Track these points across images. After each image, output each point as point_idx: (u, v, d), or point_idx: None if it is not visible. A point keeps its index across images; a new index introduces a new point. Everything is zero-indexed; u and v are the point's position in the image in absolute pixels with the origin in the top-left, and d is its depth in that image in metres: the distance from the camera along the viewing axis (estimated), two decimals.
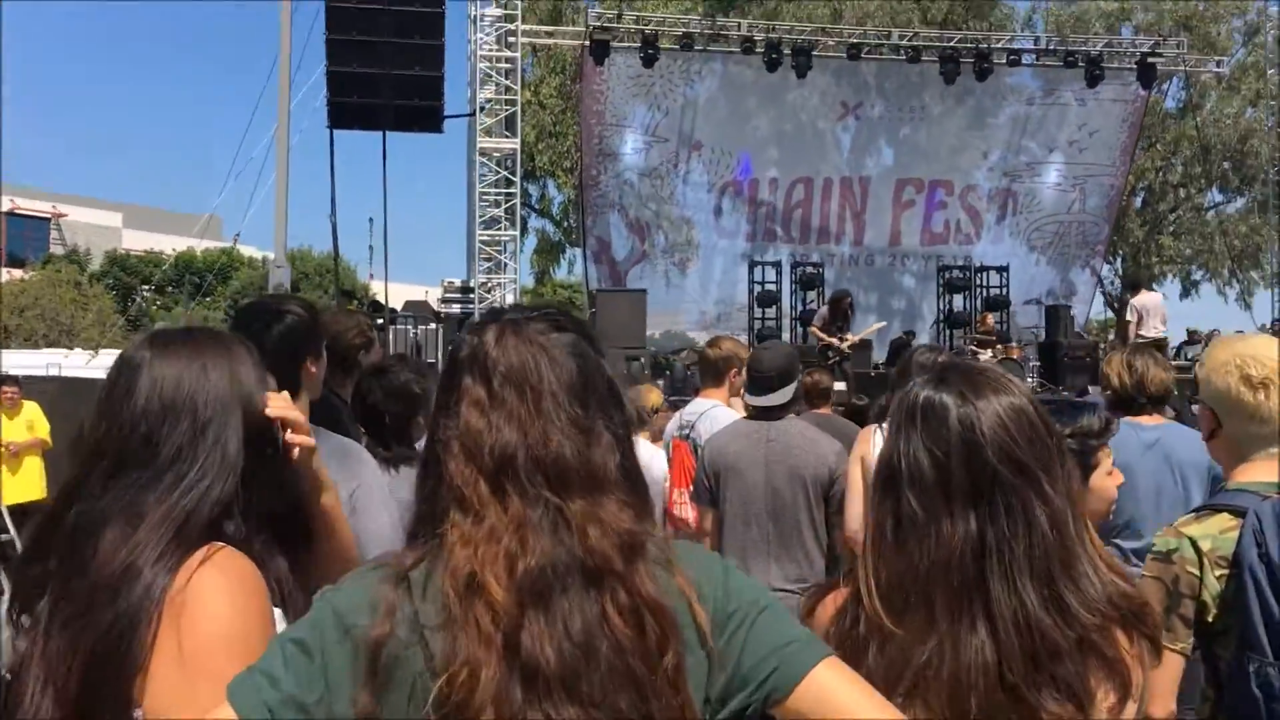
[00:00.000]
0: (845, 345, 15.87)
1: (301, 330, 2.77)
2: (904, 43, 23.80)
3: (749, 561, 4.00)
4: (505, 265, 16.81)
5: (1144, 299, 18.21)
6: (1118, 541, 3.99)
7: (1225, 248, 31.53)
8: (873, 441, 4.12)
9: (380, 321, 14.02)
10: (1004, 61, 23.78)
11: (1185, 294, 34.32)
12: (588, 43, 22.12)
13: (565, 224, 34.16)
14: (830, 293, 21.29)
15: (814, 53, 23.02)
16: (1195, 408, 2.51)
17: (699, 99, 24.61)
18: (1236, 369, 2.26)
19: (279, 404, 1.79)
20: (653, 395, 6.42)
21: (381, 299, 16.96)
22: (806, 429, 4.19)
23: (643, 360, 15.43)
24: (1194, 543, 2.21)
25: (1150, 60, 23.78)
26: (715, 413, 5.16)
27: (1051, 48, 24.53)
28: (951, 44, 23.64)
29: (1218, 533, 2.20)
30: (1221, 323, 35.61)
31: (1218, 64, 27.78)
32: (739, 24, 23.69)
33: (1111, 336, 32.79)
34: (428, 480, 1.45)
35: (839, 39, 23.81)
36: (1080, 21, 30.92)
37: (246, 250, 41.55)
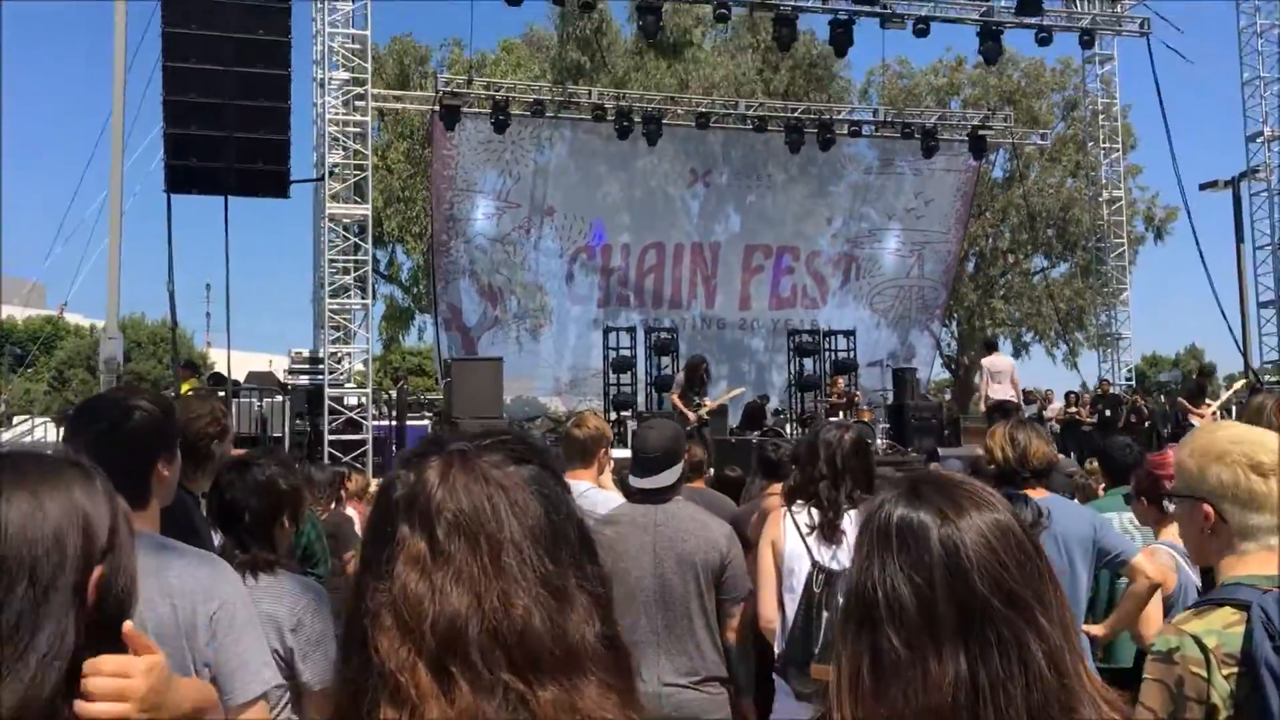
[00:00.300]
0: (704, 411, 15.91)
1: (152, 429, 2.48)
2: (750, 112, 24.36)
3: (637, 656, 3.79)
4: (355, 334, 16.30)
5: (993, 361, 18.88)
6: None
7: (1052, 311, 33.06)
8: (783, 526, 3.98)
9: (222, 394, 13.36)
10: (845, 132, 24.60)
11: (1016, 355, 35.80)
12: (438, 108, 21.92)
13: (415, 290, 33.64)
14: (684, 358, 21.48)
15: (664, 120, 23.35)
16: (1173, 505, 2.35)
17: (550, 165, 24.66)
18: (1244, 458, 2.16)
19: (101, 688, 1.32)
20: None
21: (222, 369, 16.23)
22: (696, 512, 4.02)
23: None
24: (1198, 640, 2.01)
25: (980, 133, 24.90)
26: (591, 495, 4.93)
27: (889, 120, 25.44)
28: (796, 114, 24.30)
29: (1222, 628, 2.02)
30: (1052, 382, 37.21)
31: (1041, 136, 29.31)
32: (590, 91, 23.87)
33: (948, 396, 33.94)
34: (351, 660, 1.14)
35: (688, 107, 24.23)
36: (912, 95, 32.31)
37: (73, 318, 39.54)
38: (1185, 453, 2.25)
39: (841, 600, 1.53)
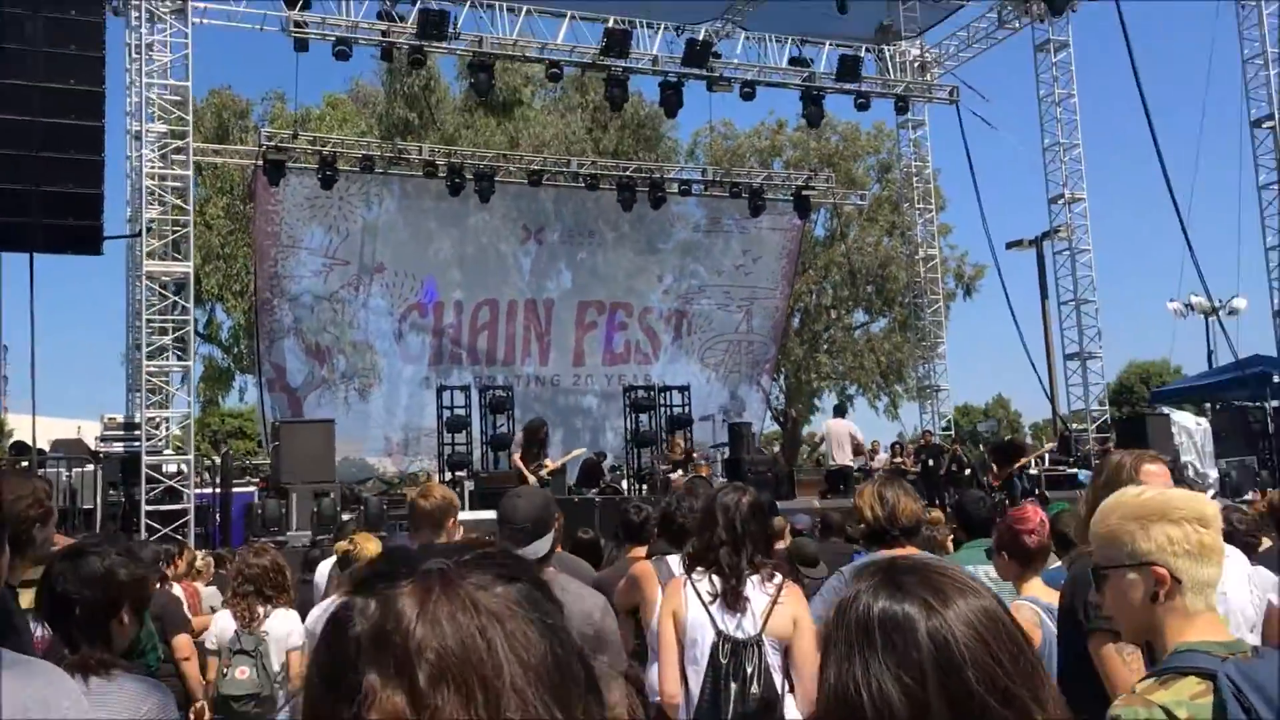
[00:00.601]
0: (545, 473, 15.74)
1: None
2: (582, 170, 24.53)
3: None
4: (173, 396, 15.47)
5: (831, 425, 19.39)
6: None
7: (874, 364, 34.21)
8: (684, 595, 3.85)
9: (26, 464, 12.44)
10: (675, 191, 25.05)
11: (840, 408, 36.81)
12: (261, 162, 21.27)
13: (235, 350, 32.36)
14: (519, 416, 21.23)
15: (496, 178, 23.28)
16: (1119, 574, 2.22)
17: (379, 222, 24.23)
18: (1191, 512, 2.11)
19: None
20: (371, 545, 5.84)
21: (23, 437, 15.15)
22: (568, 583, 3.84)
23: (333, 496, 14.53)
24: (1169, 712, 1.93)
25: (805, 192, 25.70)
26: None
27: (718, 179, 26.04)
28: (628, 173, 24.60)
29: (1189, 698, 1.93)
30: (877, 433, 38.30)
31: (860, 197, 30.47)
32: (420, 148, 23.59)
33: (777, 449, 34.50)
34: None
35: (520, 165, 24.24)
36: (737, 156, 33.18)
37: None
38: (1114, 519, 2.18)
39: (820, 706, 1.39)
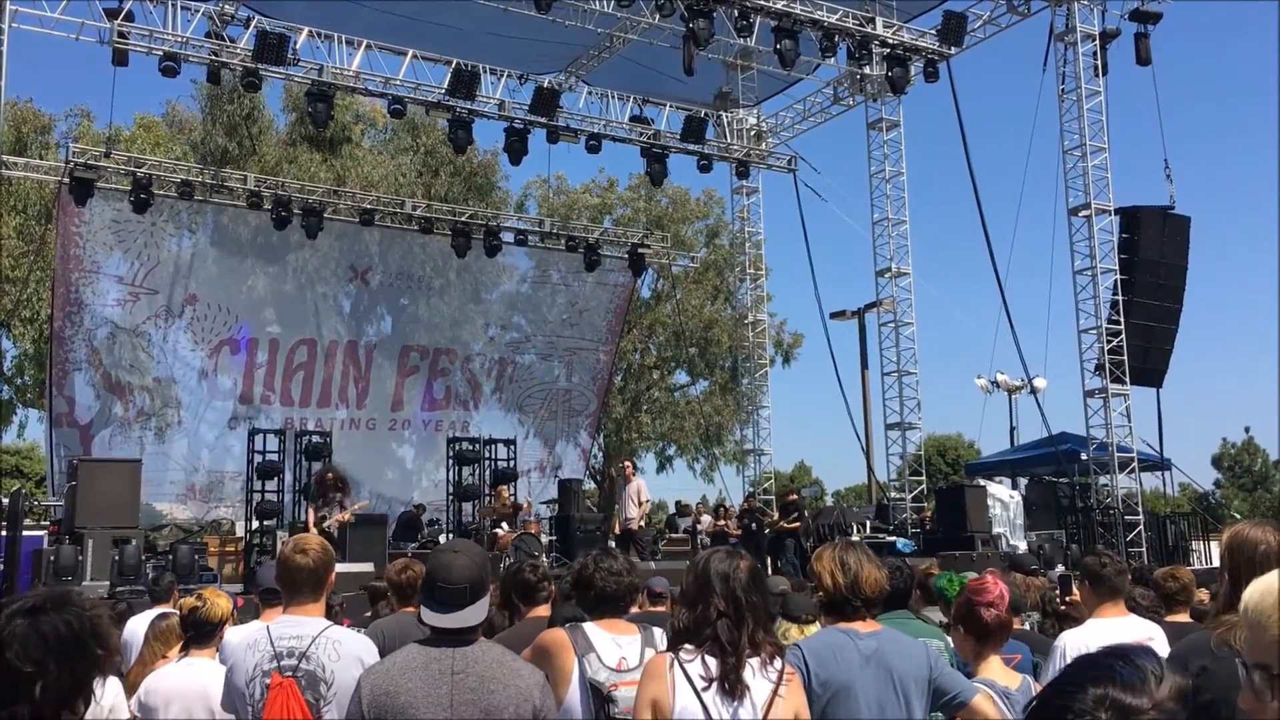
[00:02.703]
0: (330, 524, 15.00)
1: None
2: (416, 213, 23.90)
3: None
4: None
5: (637, 483, 19.17)
6: None
7: (694, 426, 34.35)
8: (671, 679, 3.26)
9: None
10: (511, 240, 24.72)
11: (661, 469, 36.86)
12: (67, 180, 19.75)
13: (19, 381, 29.85)
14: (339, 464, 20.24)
15: (325, 214, 22.40)
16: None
17: (192, 252, 22.93)
18: None
19: None
20: (221, 601, 5.12)
21: None
22: (504, 656, 3.33)
23: (135, 543, 13.27)
24: None
25: (640, 251, 25.73)
26: (336, 636, 4.09)
27: (555, 231, 25.82)
28: (463, 219, 24.10)
29: None
30: (693, 494, 38.50)
31: (692, 259, 30.77)
32: (247, 177, 22.44)
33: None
34: None
35: (352, 202, 23.40)
36: (570, 210, 33.04)
37: None
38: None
39: None
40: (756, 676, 3.28)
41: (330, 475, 16.38)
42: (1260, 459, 55.01)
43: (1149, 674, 1.46)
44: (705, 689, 3.22)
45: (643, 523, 19.33)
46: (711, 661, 3.27)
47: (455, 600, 3.27)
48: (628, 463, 20.14)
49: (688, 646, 3.32)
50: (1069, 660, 4.72)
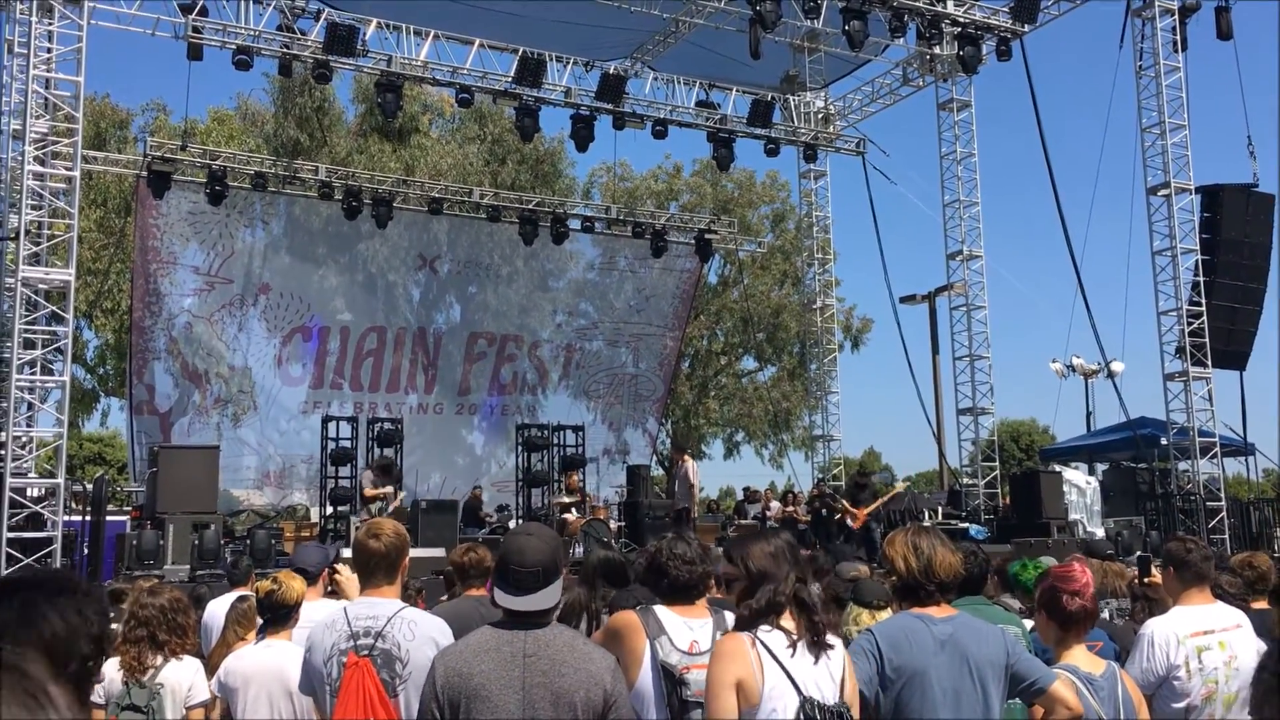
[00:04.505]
0: (391, 510, 15.38)
1: None
2: (484, 201, 24.05)
3: None
4: (38, 415, 14.28)
5: (693, 464, 19.12)
6: None
7: (762, 412, 34.23)
8: (754, 657, 3.20)
9: None
10: (579, 227, 24.77)
11: (729, 455, 36.79)
12: (145, 173, 20.17)
13: (101, 370, 30.63)
14: (410, 450, 20.55)
15: (394, 203, 22.64)
16: None
17: (266, 242, 23.32)
18: None
19: None
20: (296, 584, 5.20)
21: None
22: (576, 640, 3.33)
23: (214, 528, 13.54)
24: None
25: (707, 236, 25.64)
26: (411, 616, 4.14)
27: (621, 218, 25.84)
28: (529, 206, 24.20)
29: None
30: (761, 480, 38.44)
31: (759, 245, 30.61)
32: (318, 168, 22.75)
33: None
34: None
35: (420, 191, 23.62)
36: (634, 197, 33.04)
37: None
38: None
39: None
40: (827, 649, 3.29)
41: (394, 466, 17.02)
42: None
43: None
44: (791, 656, 3.19)
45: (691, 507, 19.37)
46: (789, 626, 3.26)
47: (528, 583, 3.28)
48: (683, 452, 20.21)
49: (764, 626, 3.28)
50: (1156, 647, 4.62)
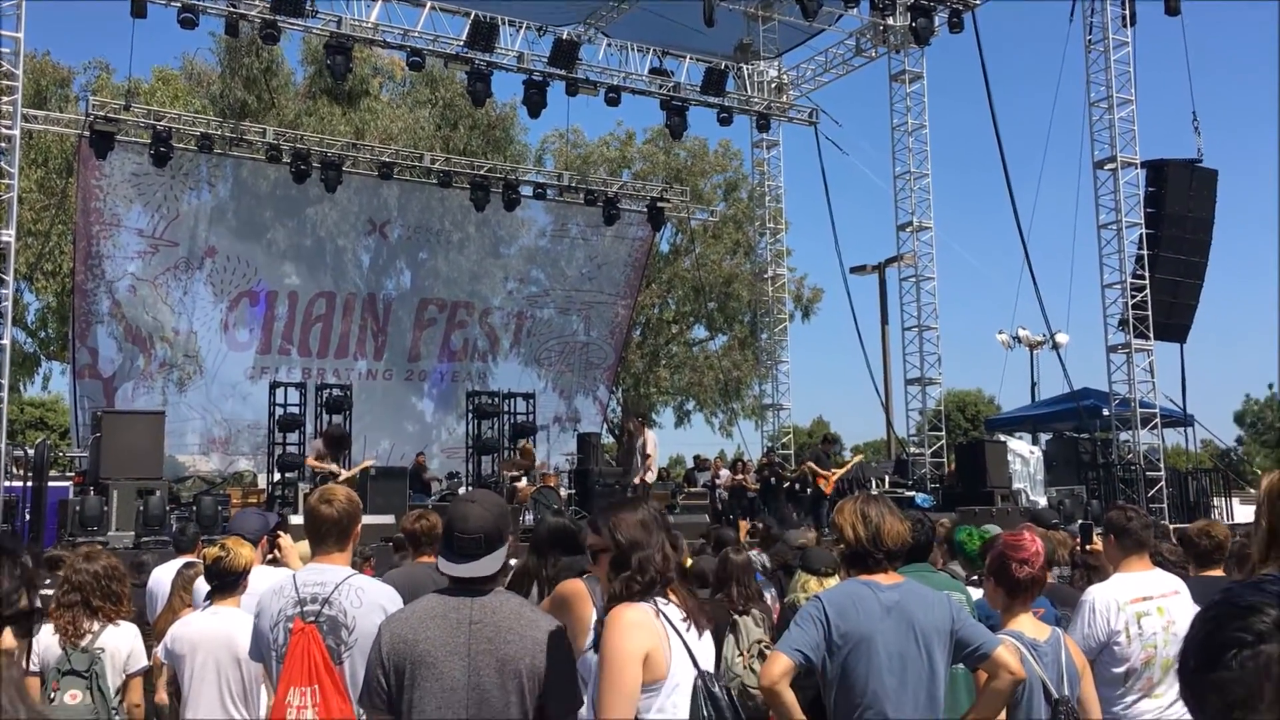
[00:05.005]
0: (343, 479, 15.20)
1: None
2: (435, 166, 23.81)
3: None
4: None
5: (652, 436, 19.17)
6: None
7: (713, 381, 34.35)
8: (659, 629, 3.07)
9: None
10: (530, 194, 24.62)
11: (679, 423, 36.91)
12: (88, 134, 19.74)
13: (43, 334, 30.06)
14: (359, 415, 20.39)
15: (344, 167, 22.35)
16: None
17: (212, 205, 22.97)
18: None
19: None
20: (245, 550, 5.14)
21: None
22: (522, 607, 3.33)
23: (160, 494, 13.38)
24: None
25: (659, 205, 25.60)
26: (359, 584, 4.12)
27: (574, 185, 25.72)
28: (481, 172, 24.00)
29: None
30: (711, 449, 38.65)
31: (711, 214, 30.60)
32: (266, 130, 22.37)
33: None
34: None
35: (371, 155, 23.31)
36: (586, 163, 32.87)
37: None
38: None
39: None
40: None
41: (344, 435, 16.89)
42: None
43: None
44: (687, 630, 3.09)
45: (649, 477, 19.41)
46: (675, 598, 3.18)
47: (470, 550, 3.27)
48: (644, 423, 20.18)
49: (659, 599, 3.16)
50: (1097, 613, 4.70)
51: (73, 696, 5.23)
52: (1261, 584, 1.46)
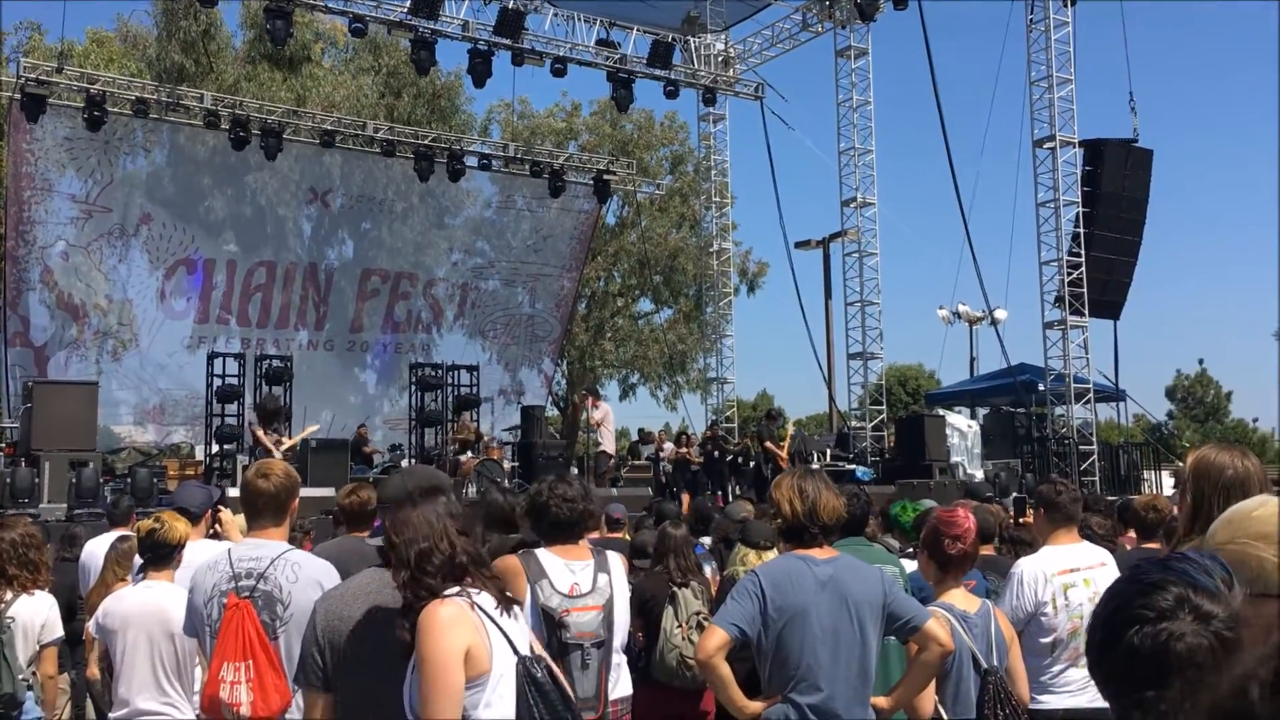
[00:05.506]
0: (285, 448, 15.15)
1: None
2: (379, 135, 23.52)
3: None
4: None
5: (605, 409, 19.29)
6: (793, 697, 3.58)
7: (657, 354, 34.43)
8: (475, 622, 2.85)
9: None
10: (475, 165, 24.41)
11: (624, 396, 36.96)
12: (19, 96, 19.25)
13: None
14: (300, 388, 20.18)
15: (284, 135, 21.98)
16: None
17: (148, 171, 22.56)
18: None
19: None
20: (180, 525, 5.08)
21: None
22: None
23: (93, 466, 13.16)
24: None
25: (605, 177, 25.52)
26: (295, 559, 4.09)
27: (519, 156, 25.55)
28: (425, 142, 23.74)
29: None
30: (655, 422, 38.75)
31: (657, 187, 30.57)
32: (204, 95, 21.94)
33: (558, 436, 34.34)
34: None
35: (314, 123, 22.95)
36: (534, 134, 32.67)
37: None
38: (1240, 538, 1.83)
39: None
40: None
41: (276, 403, 16.75)
42: (1213, 390, 56.00)
43: (1220, 580, 1.45)
44: (501, 616, 2.91)
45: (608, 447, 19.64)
46: (481, 585, 2.96)
47: None
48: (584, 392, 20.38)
49: (470, 588, 2.93)
50: (1025, 585, 4.81)
51: None
52: (1168, 561, 1.50)
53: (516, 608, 3.01)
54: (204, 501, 5.58)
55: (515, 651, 2.90)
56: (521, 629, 3.00)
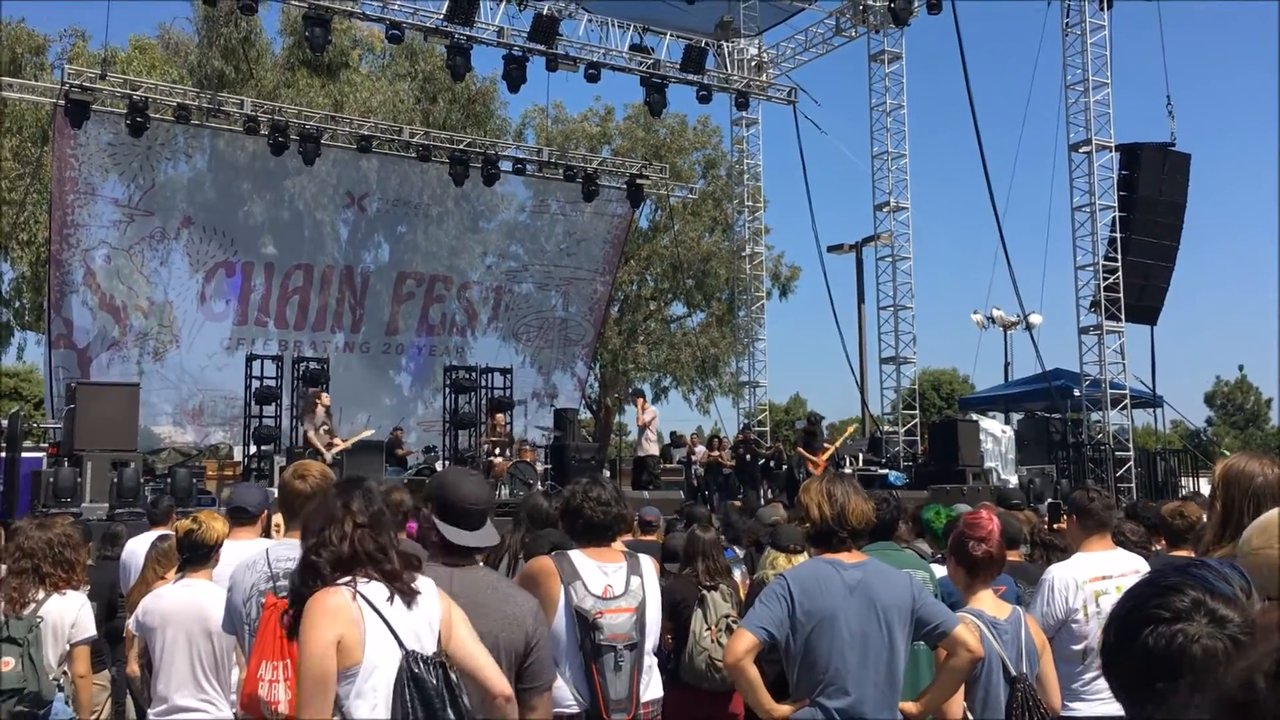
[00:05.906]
0: (337, 451, 15.29)
1: None
2: (414, 140, 23.72)
3: None
4: None
5: (653, 412, 19.41)
6: (821, 701, 3.61)
7: (690, 358, 34.42)
8: (354, 613, 2.88)
9: None
10: (510, 169, 24.57)
11: (656, 399, 36.93)
12: (64, 102, 19.57)
13: (17, 304, 29.84)
14: (335, 390, 20.34)
15: (322, 140, 22.23)
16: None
17: (189, 176, 22.86)
18: None
19: None
20: (217, 524, 5.17)
21: None
22: (499, 582, 3.40)
23: (134, 466, 13.37)
24: None
25: (639, 181, 25.60)
26: None
27: (553, 160, 25.68)
28: (461, 146, 23.92)
29: None
30: (688, 425, 38.74)
31: (690, 191, 30.60)
32: (244, 101, 22.22)
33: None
34: None
35: (350, 129, 23.19)
36: (568, 139, 32.77)
37: None
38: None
39: None
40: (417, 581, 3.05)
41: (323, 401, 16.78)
42: (1253, 397, 55.35)
43: (1238, 588, 1.48)
44: (390, 607, 2.89)
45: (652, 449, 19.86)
46: (378, 575, 2.96)
47: (476, 520, 3.35)
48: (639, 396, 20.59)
49: (360, 578, 2.95)
50: (1056, 592, 4.80)
51: (5, 664, 5.14)
52: (1188, 567, 1.53)
53: (419, 602, 2.95)
54: (260, 501, 5.64)
55: (401, 645, 2.87)
56: (415, 621, 2.93)
